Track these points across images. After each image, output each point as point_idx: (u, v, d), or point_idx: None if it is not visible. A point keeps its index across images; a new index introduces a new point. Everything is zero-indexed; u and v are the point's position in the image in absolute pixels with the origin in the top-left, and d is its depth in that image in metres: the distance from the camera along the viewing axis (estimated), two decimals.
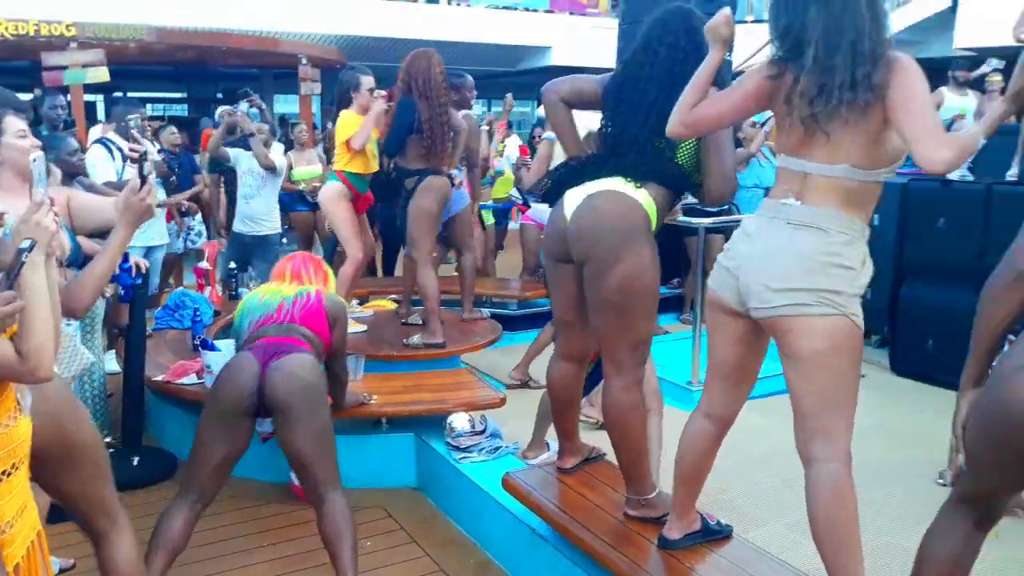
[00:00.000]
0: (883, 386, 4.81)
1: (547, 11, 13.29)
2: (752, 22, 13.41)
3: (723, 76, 2.22)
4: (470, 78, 5.05)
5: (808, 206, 1.91)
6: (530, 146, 7.37)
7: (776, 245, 1.92)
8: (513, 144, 8.59)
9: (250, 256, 5.79)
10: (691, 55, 2.32)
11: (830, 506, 1.90)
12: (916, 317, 5.07)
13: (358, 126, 4.41)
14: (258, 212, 5.76)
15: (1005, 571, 2.86)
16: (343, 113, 4.55)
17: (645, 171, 2.38)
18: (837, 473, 1.91)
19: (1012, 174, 4.97)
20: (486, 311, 5.19)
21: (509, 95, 7.41)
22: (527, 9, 13.19)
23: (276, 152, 5.89)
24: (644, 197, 2.37)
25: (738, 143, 6.11)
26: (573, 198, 2.46)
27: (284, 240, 6.37)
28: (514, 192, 7.65)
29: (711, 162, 2.35)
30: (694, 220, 5.07)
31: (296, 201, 6.96)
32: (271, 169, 5.66)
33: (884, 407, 4.34)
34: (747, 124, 6.61)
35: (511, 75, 14.65)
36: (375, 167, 4.56)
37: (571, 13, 13.06)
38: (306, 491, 2.68)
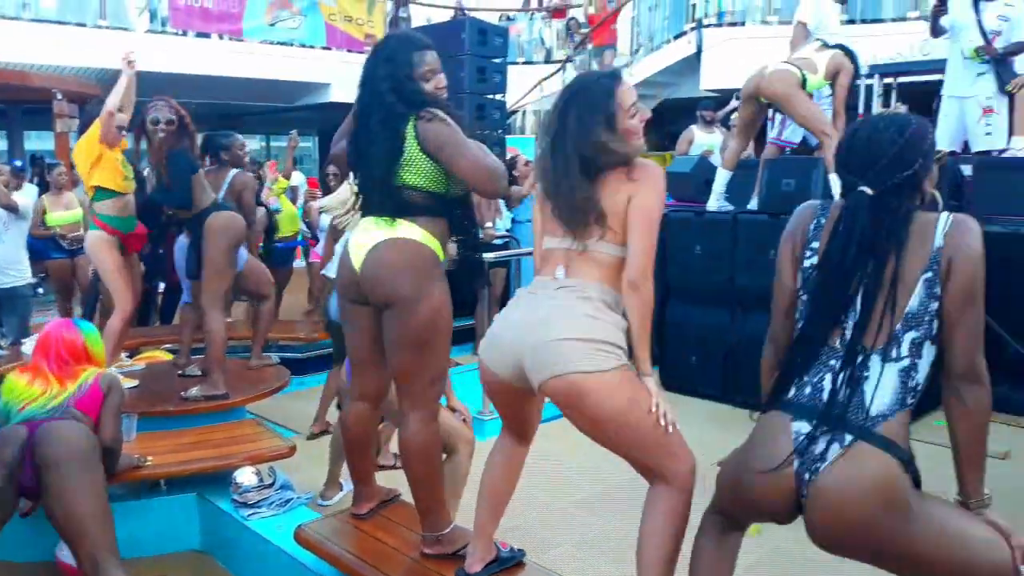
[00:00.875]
0: None
1: (324, 48, 13.17)
2: (523, 63, 14.11)
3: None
4: (238, 136, 4.94)
5: (573, 278, 2.08)
6: (322, 182, 7.20)
7: (552, 313, 2.04)
8: (297, 179, 8.42)
9: None
10: (404, 83, 2.41)
11: (655, 527, 2.04)
12: (680, 336, 5.53)
13: (97, 150, 4.15)
14: (3, 261, 5.22)
15: (771, 561, 3.18)
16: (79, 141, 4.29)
17: (400, 209, 2.43)
18: (668, 497, 2.04)
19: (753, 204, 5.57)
20: (274, 356, 5.03)
21: (294, 132, 7.27)
22: (304, 45, 13.00)
23: (27, 194, 5.38)
24: (421, 235, 2.43)
25: (514, 180, 6.39)
26: (357, 243, 2.49)
27: (40, 290, 5.80)
28: (303, 227, 7.47)
29: (459, 167, 2.40)
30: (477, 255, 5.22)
31: (52, 248, 6.37)
32: (12, 210, 5.15)
33: None
34: (521, 163, 6.92)
35: (290, 110, 14.36)
36: (126, 187, 4.28)
37: (348, 51, 13.03)
38: (82, 565, 2.47)
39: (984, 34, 5.69)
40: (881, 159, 1.75)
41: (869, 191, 1.76)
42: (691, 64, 10.93)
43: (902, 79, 8.14)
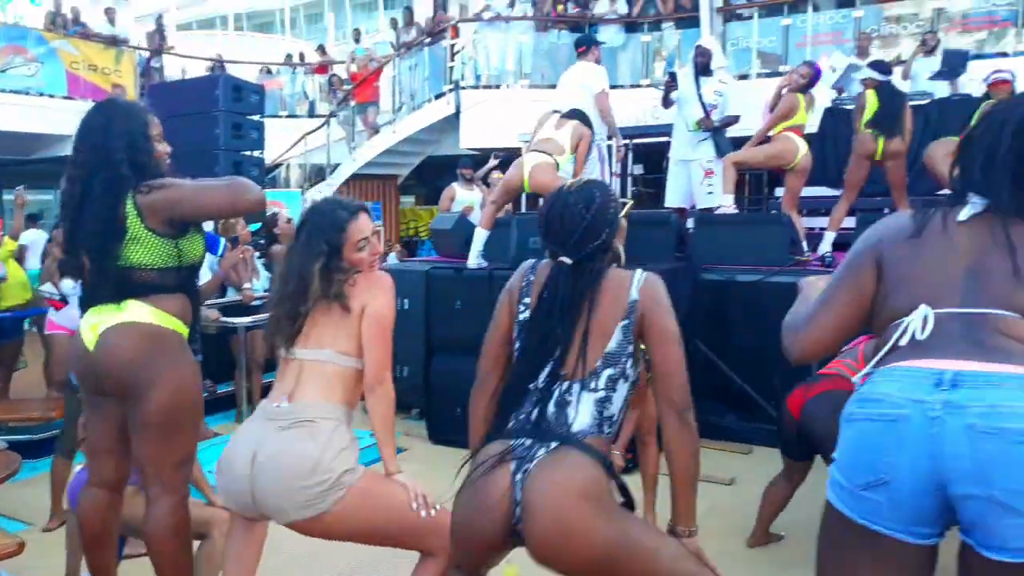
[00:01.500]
0: (424, 456, 5.27)
1: (66, 97, 12.24)
2: (286, 117, 13.97)
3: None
4: None
5: (296, 403, 2.18)
6: None
7: (276, 457, 2.11)
8: (32, 236, 7.73)
9: None
10: (140, 144, 2.39)
11: None
12: (445, 389, 5.68)
13: None
14: None
15: None
16: None
17: (129, 289, 2.36)
18: (433, 564, 2.20)
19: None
20: (1, 441, 4.53)
21: (19, 189, 6.60)
22: (42, 94, 12.01)
23: None
24: (153, 314, 2.35)
25: (274, 239, 6.29)
26: (88, 328, 2.37)
27: None
28: (47, 288, 6.79)
29: (206, 208, 2.43)
30: (233, 320, 5.10)
31: None
32: None
33: (424, 474, 4.72)
34: (283, 219, 6.83)
35: (27, 163, 13.14)
36: None
37: (93, 101, 12.21)
38: None
39: (704, 107, 6.60)
40: (574, 234, 1.99)
41: (568, 261, 1.99)
42: (452, 123, 11.36)
43: (637, 140, 8.99)
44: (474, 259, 5.82)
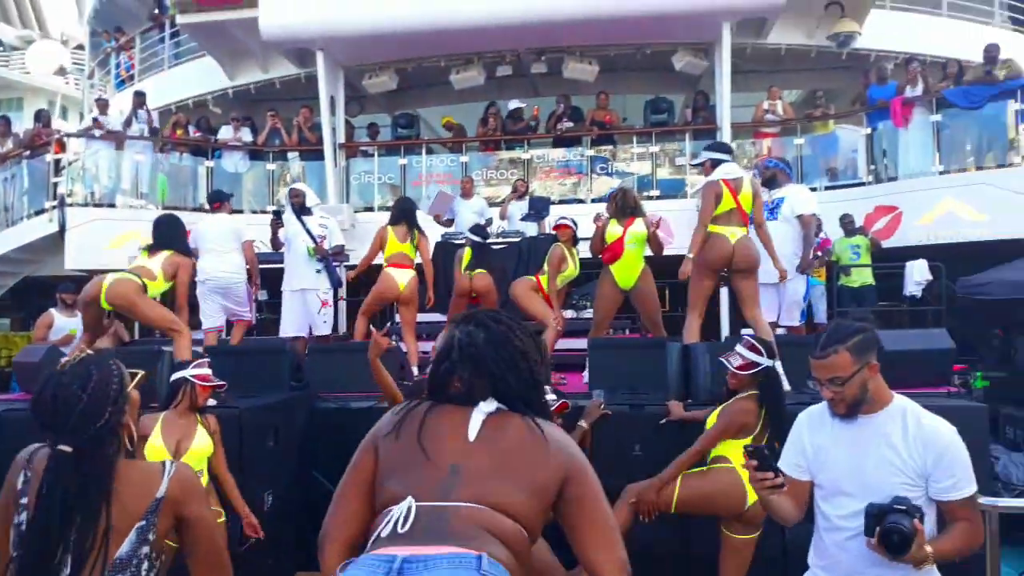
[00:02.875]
0: None
1: None
2: None
3: None
4: None
5: None
6: None
7: None
8: None
9: None
10: None
11: None
12: None
13: None
14: None
15: None
16: None
17: None
18: None
19: None
20: None
21: None
22: None
23: None
24: None
25: None
26: None
27: None
28: None
29: None
30: None
31: None
32: None
33: None
34: None
35: None
36: None
37: None
38: None
39: (313, 238, 6.99)
40: (70, 417, 1.78)
41: (68, 449, 1.77)
42: (56, 242, 10.38)
43: (262, 266, 8.97)
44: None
